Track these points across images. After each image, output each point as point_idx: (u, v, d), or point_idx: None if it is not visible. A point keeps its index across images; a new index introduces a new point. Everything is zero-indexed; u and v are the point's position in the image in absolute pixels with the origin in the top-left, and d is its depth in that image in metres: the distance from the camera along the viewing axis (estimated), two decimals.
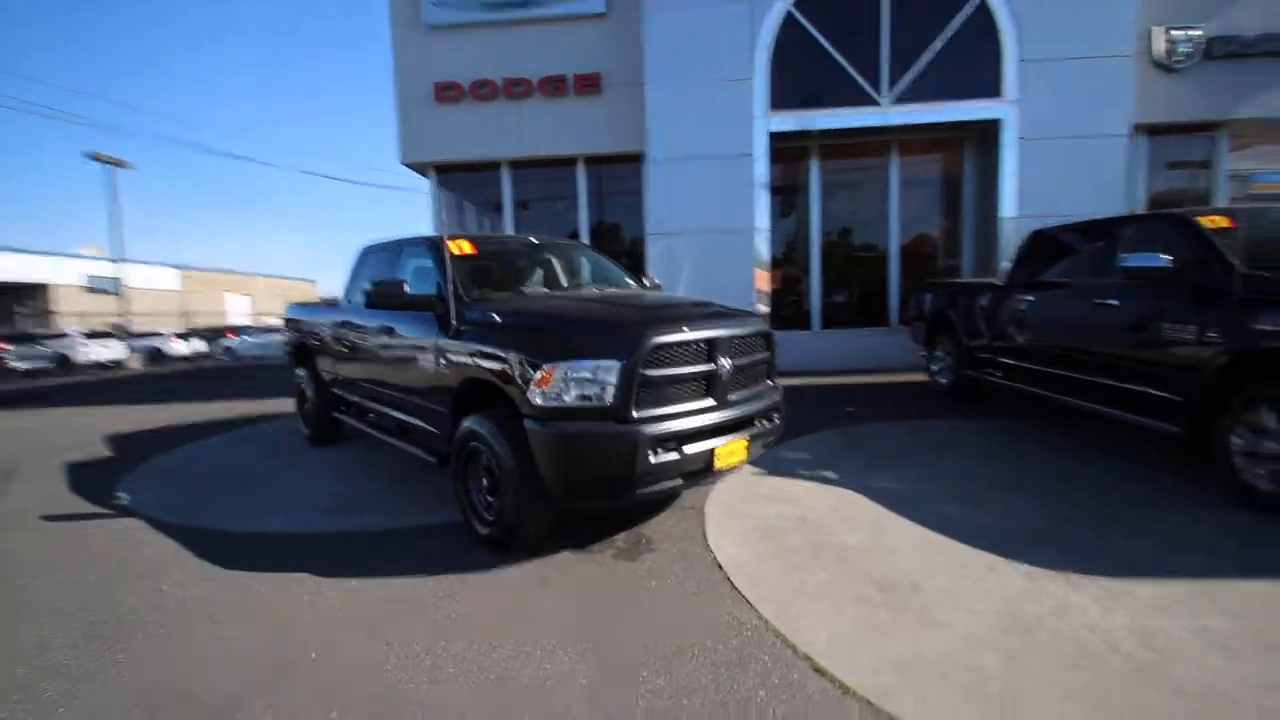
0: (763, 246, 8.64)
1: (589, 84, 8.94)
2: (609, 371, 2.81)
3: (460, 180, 9.83)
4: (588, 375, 2.82)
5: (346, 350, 4.77)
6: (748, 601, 2.61)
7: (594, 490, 2.88)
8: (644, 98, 8.81)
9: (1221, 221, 4.00)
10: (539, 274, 4.36)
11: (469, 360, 3.27)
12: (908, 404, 6.64)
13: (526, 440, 2.94)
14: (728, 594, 2.69)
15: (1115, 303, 4.38)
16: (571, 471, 2.84)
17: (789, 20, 8.37)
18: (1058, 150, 8.28)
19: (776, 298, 9.16)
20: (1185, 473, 4.00)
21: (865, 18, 8.36)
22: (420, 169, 9.73)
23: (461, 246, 4.01)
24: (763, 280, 8.65)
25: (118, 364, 18.90)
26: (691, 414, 3.02)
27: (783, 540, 3.23)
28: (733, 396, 3.24)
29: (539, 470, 2.90)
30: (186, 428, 7.12)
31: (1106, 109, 8.27)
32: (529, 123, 9.10)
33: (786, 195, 9.56)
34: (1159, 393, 3.95)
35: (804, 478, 4.24)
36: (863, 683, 2.03)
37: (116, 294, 22.10)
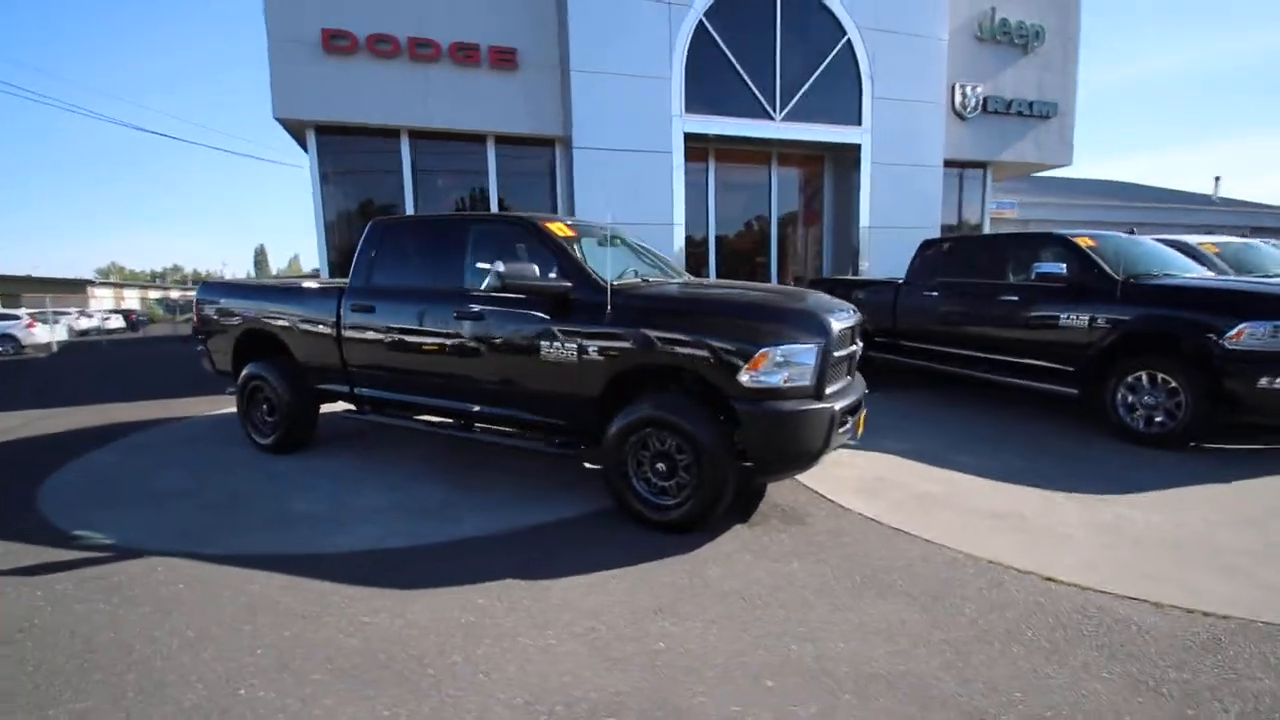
0: (680, 240, 9.21)
1: (505, 58, 8.52)
2: (810, 354, 3.12)
3: (343, 146, 8.60)
4: (793, 359, 3.09)
5: (380, 341, 4.16)
6: (930, 541, 3.17)
7: (796, 461, 3.17)
8: (562, 81, 8.74)
9: (1090, 242, 5.63)
10: (610, 259, 4.33)
11: (647, 344, 3.26)
12: None
13: (726, 420, 3.12)
14: (908, 538, 3.21)
15: (1016, 298, 5.86)
16: (785, 446, 3.09)
17: (701, 29, 8.99)
18: (897, 174, 10.26)
19: None
20: (1073, 422, 5.57)
21: (763, 41, 9.36)
22: (297, 128, 8.29)
23: (562, 229, 3.85)
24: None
25: None
26: (845, 390, 3.47)
27: (887, 495, 3.85)
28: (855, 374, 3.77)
29: (748, 446, 3.09)
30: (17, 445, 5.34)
31: (929, 144, 10.48)
32: (436, 91, 8.35)
33: (689, 192, 10.23)
34: (1058, 365, 5.45)
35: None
36: (1085, 579, 2.72)
37: None
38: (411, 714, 1.93)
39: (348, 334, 4.30)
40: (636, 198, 8.74)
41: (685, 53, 8.90)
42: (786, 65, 9.47)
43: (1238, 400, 4.39)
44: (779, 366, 3.06)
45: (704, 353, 3.13)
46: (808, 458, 3.16)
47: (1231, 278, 5.80)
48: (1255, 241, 6.93)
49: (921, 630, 2.35)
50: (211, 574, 2.90)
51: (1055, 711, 1.89)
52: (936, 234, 10.70)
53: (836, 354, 3.30)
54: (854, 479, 4.15)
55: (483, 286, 3.71)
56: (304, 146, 9.37)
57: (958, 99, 10.98)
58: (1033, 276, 5.63)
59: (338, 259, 8.52)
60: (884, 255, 10.26)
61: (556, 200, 9.37)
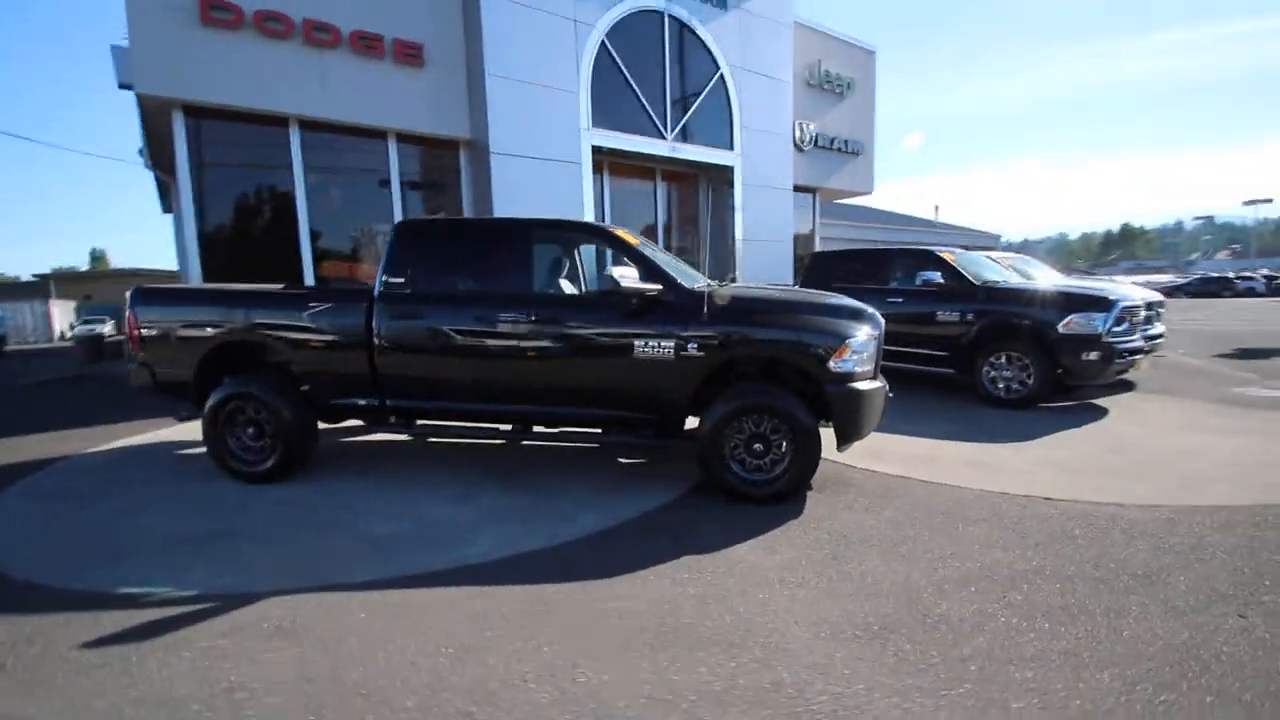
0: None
1: (410, 53, 8.08)
2: (872, 343, 3.86)
3: (217, 133, 7.38)
4: (862, 348, 3.79)
5: (432, 349, 3.95)
6: (951, 485, 4.08)
7: (866, 429, 3.85)
8: (470, 84, 8.58)
9: (952, 256, 7.31)
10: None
11: (748, 340, 3.70)
12: None
13: (811, 402, 3.71)
14: (935, 485, 4.08)
15: (901, 300, 7.35)
16: (862, 418, 3.76)
17: (603, 49, 9.45)
18: (760, 194, 11.77)
19: None
20: (949, 394, 7.15)
21: (654, 68, 10.14)
22: (158, 107, 6.92)
23: (630, 236, 4.10)
24: None
25: None
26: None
27: (888, 458, 4.74)
28: None
29: (835, 421, 3.71)
30: None
31: (781, 170, 12.18)
32: (334, 79, 7.62)
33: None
34: (938, 351, 6.99)
35: None
36: (1066, 495, 3.81)
37: None
38: (754, 660, 2.19)
39: (384, 343, 4.00)
40: (551, 205, 8.87)
41: (590, 70, 9.29)
42: (674, 91, 10.36)
43: (1069, 370, 6.17)
44: (854, 354, 3.74)
45: (804, 345, 3.68)
46: (872, 426, 3.89)
47: (1055, 282, 7.90)
48: (1027, 257, 9.47)
49: (1021, 540, 3.18)
50: (379, 601, 2.69)
51: (1147, 567, 2.81)
52: (790, 247, 12.48)
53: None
54: (858, 449, 4.93)
55: (606, 291, 3.77)
56: (147, 129, 7.87)
57: (798, 134, 12.91)
58: (917, 283, 7.14)
59: (214, 263, 7.30)
60: (751, 264, 11.68)
61: (462, 203, 9.08)
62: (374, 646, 2.33)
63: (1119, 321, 6.16)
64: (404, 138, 8.53)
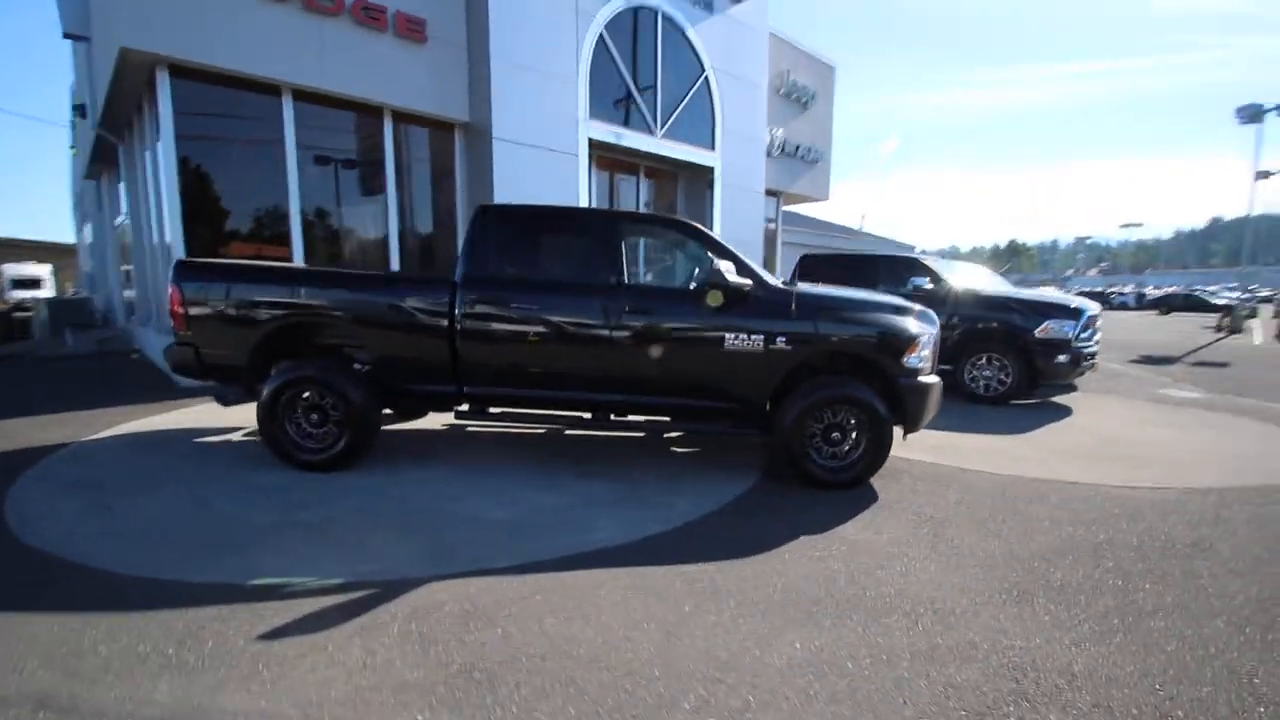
0: None
1: (414, 27, 7.75)
2: (932, 340, 4.22)
3: (202, 97, 6.79)
4: (926, 344, 4.14)
5: (520, 336, 3.93)
6: (987, 472, 4.54)
7: (928, 419, 4.21)
8: (470, 65, 8.36)
9: (933, 264, 7.94)
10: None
11: (834, 336, 3.95)
12: None
13: (886, 393, 4.03)
14: (975, 472, 4.54)
15: None
16: (928, 408, 4.11)
17: (601, 42, 9.45)
18: (737, 194, 12.15)
19: None
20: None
21: (647, 64, 10.23)
22: (141, 64, 6.27)
23: (713, 234, 4.24)
24: None
25: None
26: None
27: (915, 448, 5.17)
28: None
29: (906, 411, 4.03)
30: None
31: (756, 173, 12.63)
32: (332, 48, 7.20)
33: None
34: None
35: None
36: (1085, 479, 4.35)
37: None
38: (936, 624, 2.44)
39: (468, 327, 3.94)
40: (550, 194, 8.81)
41: (590, 61, 9.27)
42: (665, 89, 10.51)
43: (1042, 371, 6.90)
44: (923, 349, 4.09)
45: (884, 341, 3.98)
46: (933, 417, 4.25)
47: (1023, 291, 8.70)
48: (979, 265, 10.42)
49: (1079, 517, 3.63)
50: (545, 583, 2.72)
51: (1191, 538, 3.31)
52: (761, 247, 12.97)
53: None
54: None
55: (692, 284, 3.90)
56: (115, 87, 7.13)
57: (767, 139, 13.40)
58: (909, 288, 7.70)
59: (206, 240, 6.74)
60: None
61: (456, 188, 8.83)
62: (576, 625, 2.39)
63: (1085, 328, 6.96)
64: (400, 116, 8.18)
